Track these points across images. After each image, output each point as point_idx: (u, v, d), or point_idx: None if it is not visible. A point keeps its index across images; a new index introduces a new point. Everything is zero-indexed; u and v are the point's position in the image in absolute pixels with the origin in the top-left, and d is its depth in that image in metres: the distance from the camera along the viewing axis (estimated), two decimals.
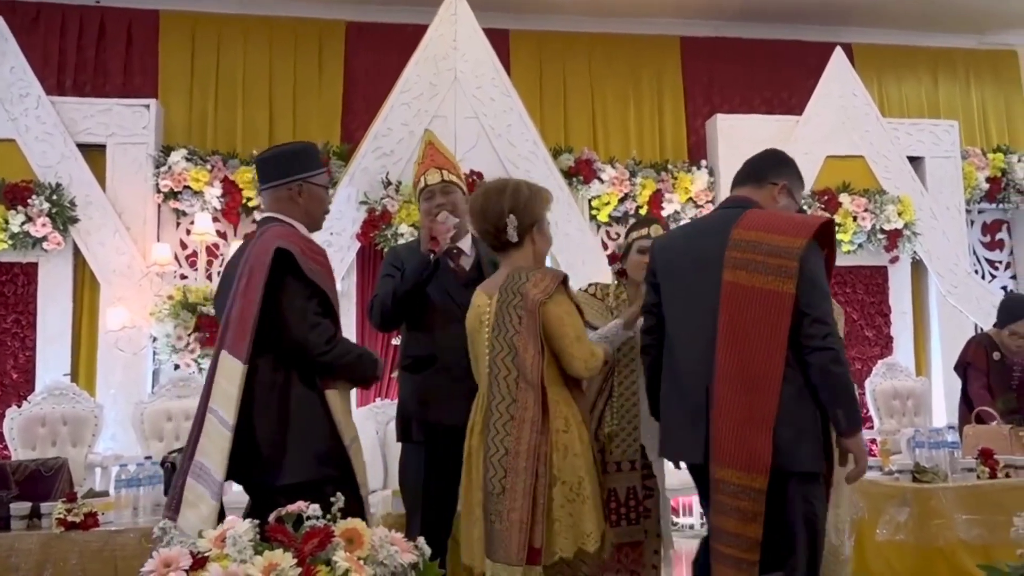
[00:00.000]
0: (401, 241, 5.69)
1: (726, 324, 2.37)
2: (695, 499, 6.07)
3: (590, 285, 3.25)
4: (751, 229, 2.42)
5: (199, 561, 1.60)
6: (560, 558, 2.37)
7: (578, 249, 5.94)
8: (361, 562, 1.64)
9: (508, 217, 2.56)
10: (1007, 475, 3.72)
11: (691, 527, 6.08)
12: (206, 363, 5.56)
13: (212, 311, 5.57)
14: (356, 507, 2.33)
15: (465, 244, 3.10)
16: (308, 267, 2.42)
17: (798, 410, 2.33)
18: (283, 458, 2.38)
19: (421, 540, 1.79)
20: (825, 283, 2.38)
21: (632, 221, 3.81)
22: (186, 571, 1.58)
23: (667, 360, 2.58)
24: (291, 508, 1.77)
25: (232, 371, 2.33)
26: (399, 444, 3.07)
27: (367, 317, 3.12)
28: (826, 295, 2.37)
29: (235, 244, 5.84)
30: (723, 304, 2.38)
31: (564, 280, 2.55)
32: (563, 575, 2.38)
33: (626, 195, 6.44)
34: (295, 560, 1.60)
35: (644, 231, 3.11)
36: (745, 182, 2.65)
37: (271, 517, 1.75)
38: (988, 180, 7.05)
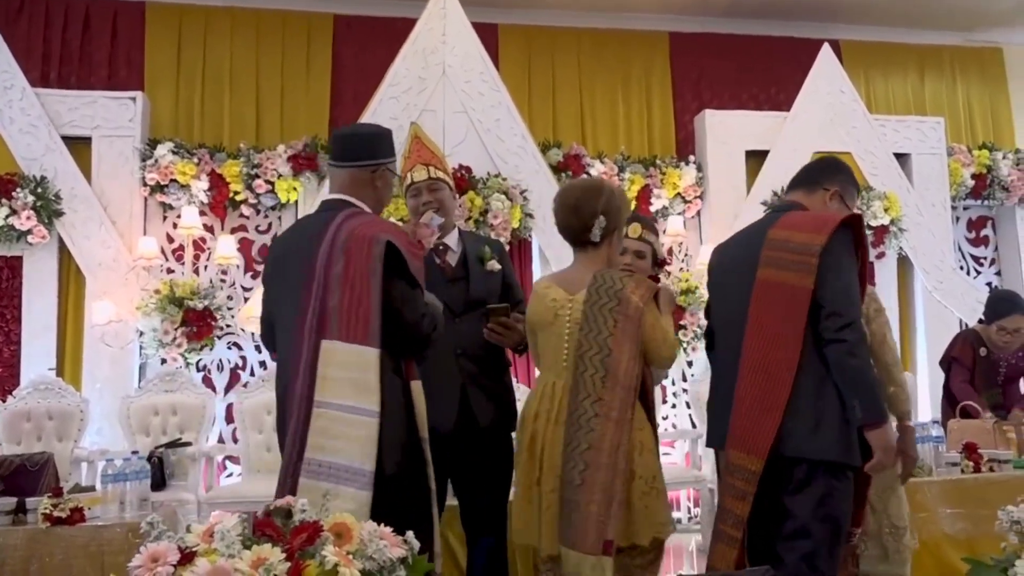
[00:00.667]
0: None
1: (754, 318, 2.48)
2: (682, 493, 6.10)
3: None
4: (784, 228, 2.52)
5: (187, 556, 1.59)
6: (635, 545, 2.53)
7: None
8: (350, 556, 1.63)
9: (598, 218, 2.67)
10: (991, 469, 3.77)
11: (679, 521, 6.10)
12: (193, 357, 5.56)
13: (198, 305, 5.56)
14: (425, 503, 2.37)
15: (452, 240, 3.09)
16: (412, 264, 2.41)
17: (818, 400, 2.38)
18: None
19: (410, 534, 1.79)
20: (849, 276, 2.42)
21: None
22: (174, 566, 1.57)
23: (711, 357, 2.77)
24: (279, 503, 1.76)
25: (359, 358, 2.26)
26: None
27: None
28: (847, 289, 2.41)
29: (222, 238, 5.84)
30: (753, 300, 2.49)
31: (656, 291, 2.70)
32: (629, 560, 2.55)
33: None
34: (284, 555, 1.59)
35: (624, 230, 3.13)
36: (798, 187, 2.76)
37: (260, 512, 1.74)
38: (973, 177, 7.08)
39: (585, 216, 2.68)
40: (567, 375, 2.61)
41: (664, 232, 6.51)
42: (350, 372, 2.26)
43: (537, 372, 2.83)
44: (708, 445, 2.78)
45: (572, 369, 2.59)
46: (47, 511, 2.97)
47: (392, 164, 2.61)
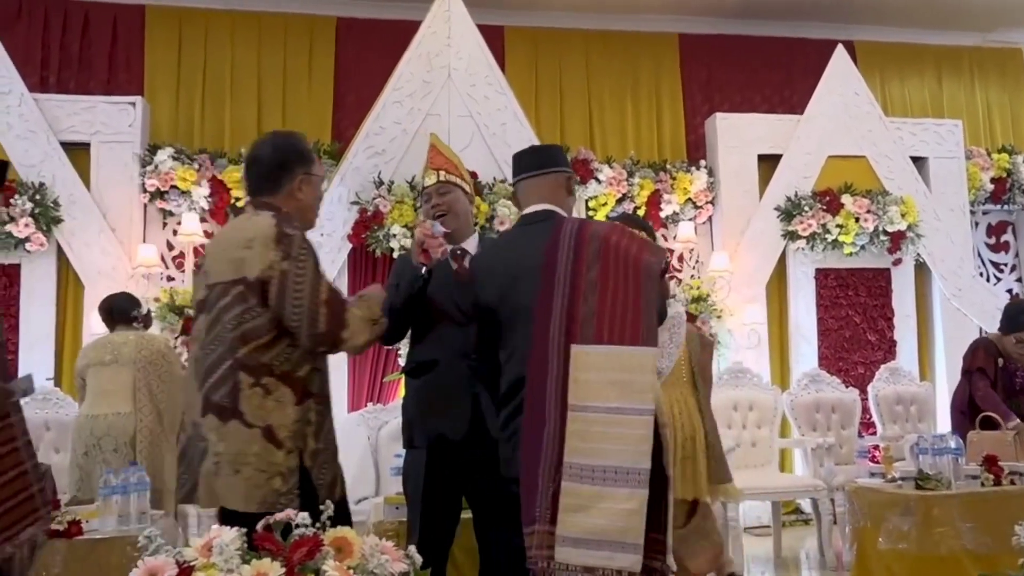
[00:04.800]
0: (393, 242, 5.60)
1: None
2: None
3: None
4: None
5: (185, 570, 1.59)
6: None
7: None
8: (351, 571, 1.62)
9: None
10: (1012, 482, 3.68)
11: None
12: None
13: None
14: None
15: (470, 245, 3.00)
16: None
17: None
18: None
19: (412, 548, 1.76)
20: None
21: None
22: None
23: None
24: (279, 516, 1.73)
25: (625, 360, 2.28)
26: (390, 450, 2.99)
27: None
28: None
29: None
30: None
31: None
32: None
33: (624, 195, 6.34)
34: (283, 569, 1.58)
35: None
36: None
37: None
38: (993, 181, 6.99)
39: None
40: None
41: (675, 238, 6.43)
42: (608, 374, 2.28)
43: None
44: None
45: None
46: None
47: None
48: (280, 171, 2.44)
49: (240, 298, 2.27)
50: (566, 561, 2.17)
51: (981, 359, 4.66)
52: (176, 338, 5.46)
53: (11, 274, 5.63)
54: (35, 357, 5.57)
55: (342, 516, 2.36)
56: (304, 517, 1.72)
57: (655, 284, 2.35)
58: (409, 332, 2.95)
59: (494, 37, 6.39)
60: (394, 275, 2.95)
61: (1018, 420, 4.28)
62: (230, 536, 1.64)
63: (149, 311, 4.74)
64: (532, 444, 2.30)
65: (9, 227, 5.43)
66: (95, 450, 4.07)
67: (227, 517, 2.23)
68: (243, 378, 2.25)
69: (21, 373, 5.51)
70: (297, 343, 2.29)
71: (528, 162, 2.62)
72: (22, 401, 4.86)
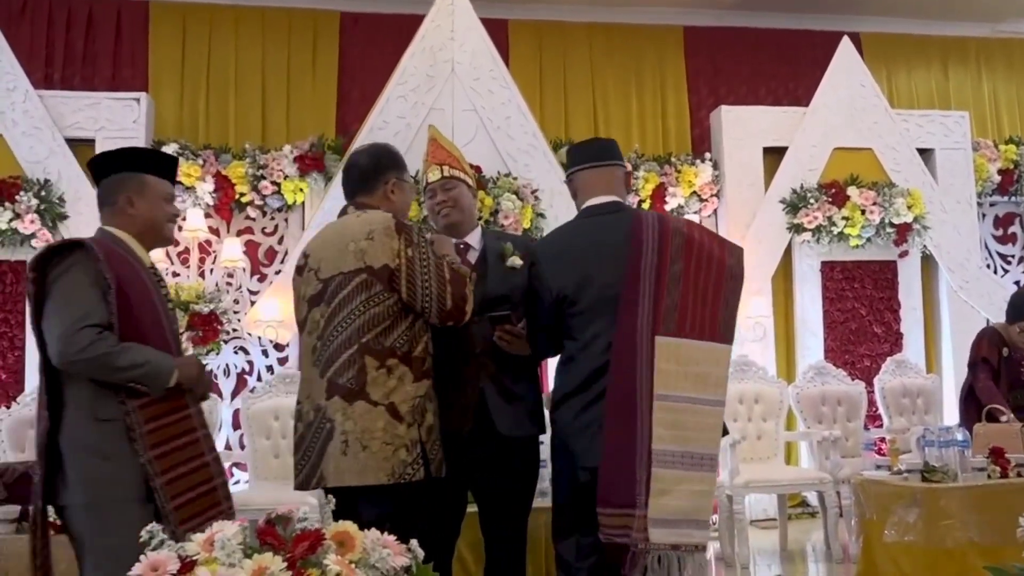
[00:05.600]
0: None
1: None
2: None
3: None
4: None
5: (187, 565, 1.58)
6: None
7: None
8: (352, 565, 1.61)
9: None
10: (1019, 474, 3.68)
11: None
12: None
13: (204, 309, 5.49)
14: None
15: (473, 239, 3.00)
16: None
17: None
18: None
19: (414, 543, 1.76)
20: None
21: None
22: (174, 575, 1.56)
23: None
24: (280, 510, 1.71)
25: (706, 354, 2.45)
26: None
27: None
28: None
29: (228, 241, 5.77)
30: None
31: None
32: None
33: (629, 189, 6.30)
34: (285, 564, 1.57)
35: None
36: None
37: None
38: (1000, 172, 6.94)
39: None
40: None
41: None
42: (691, 366, 2.43)
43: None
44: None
45: None
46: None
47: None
48: (374, 174, 2.64)
49: (364, 286, 2.42)
50: (658, 541, 2.36)
51: (984, 349, 4.66)
52: (181, 333, 5.47)
53: (17, 271, 5.62)
54: None
55: (442, 497, 2.56)
56: (306, 511, 1.73)
57: (736, 285, 2.53)
58: None
59: (498, 31, 6.36)
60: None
61: (1011, 414, 4.25)
62: (232, 531, 1.63)
63: None
64: (621, 432, 2.41)
65: (15, 223, 5.43)
66: None
67: (352, 495, 2.35)
68: (369, 361, 2.39)
69: (28, 369, 5.54)
70: (415, 324, 2.48)
71: (588, 153, 2.73)
72: (31, 398, 4.90)
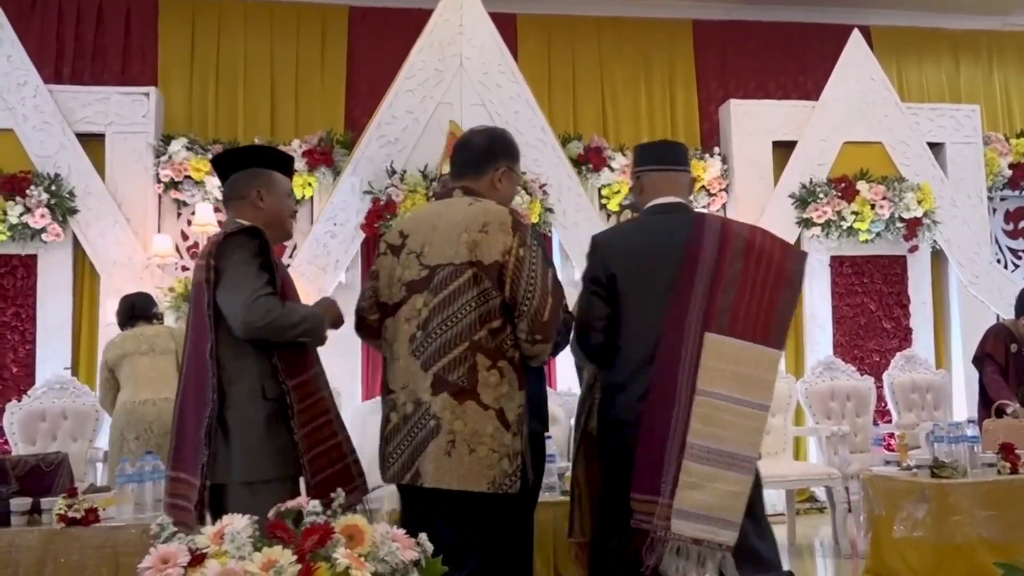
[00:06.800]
0: None
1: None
2: None
3: None
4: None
5: (197, 558, 1.58)
6: None
7: (588, 239, 5.80)
8: (362, 559, 1.60)
9: None
10: None
11: None
12: None
13: None
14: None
15: None
16: None
17: None
18: None
19: (423, 536, 1.75)
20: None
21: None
22: (184, 568, 1.55)
23: None
24: (290, 504, 1.74)
25: (754, 355, 2.47)
26: None
27: None
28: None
29: None
30: None
31: None
32: None
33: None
34: (295, 557, 1.56)
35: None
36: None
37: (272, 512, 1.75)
38: (1011, 166, 6.90)
39: None
40: None
41: None
42: (738, 367, 2.46)
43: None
44: None
45: None
46: (62, 511, 2.96)
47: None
48: (487, 158, 2.55)
49: (474, 280, 2.34)
50: (680, 532, 2.40)
51: (990, 345, 4.65)
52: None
53: (28, 265, 5.66)
54: (52, 347, 5.62)
55: (531, 505, 2.55)
56: (315, 505, 1.72)
57: (794, 292, 2.55)
58: None
59: (506, 25, 6.34)
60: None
61: (1017, 406, 4.25)
62: (242, 524, 1.64)
63: (161, 312, 4.86)
64: (658, 421, 2.48)
65: (25, 218, 5.46)
66: (147, 434, 4.16)
67: (449, 498, 2.33)
68: (481, 360, 2.33)
69: (38, 362, 5.57)
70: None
71: (659, 156, 2.78)
72: (42, 391, 4.92)
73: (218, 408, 2.33)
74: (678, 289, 2.52)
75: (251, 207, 2.51)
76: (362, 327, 2.57)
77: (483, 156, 2.55)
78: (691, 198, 2.89)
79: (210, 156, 5.80)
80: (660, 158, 2.77)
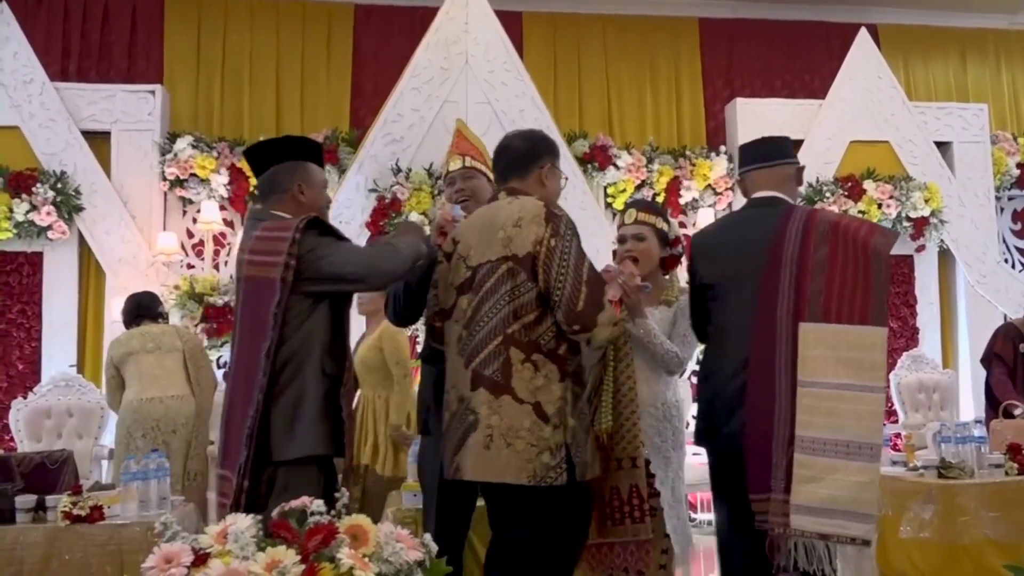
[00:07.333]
0: None
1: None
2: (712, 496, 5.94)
3: None
4: None
5: (201, 557, 1.58)
6: None
7: (593, 238, 5.79)
8: (366, 559, 1.60)
9: None
10: None
11: (709, 523, 5.94)
12: (213, 354, 5.49)
13: (218, 301, 5.52)
14: None
15: None
16: None
17: None
18: None
19: (428, 537, 1.75)
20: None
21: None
22: (187, 567, 1.56)
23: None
24: (294, 503, 1.73)
25: (855, 338, 2.39)
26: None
27: (384, 311, 3.04)
28: None
29: (242, 233, 5.76)
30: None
31: None
32: None
33: (643, 182, 6.30)
34: (299, 557, 1.57)
35: (621, 219, 3.16)
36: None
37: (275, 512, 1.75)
38: (1019, 166, 6.89)
39: None
40: None
41: (694, 225, 6.36)
42: (841, 351, 2.38)
43: None
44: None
45: None
46: (67, 509, 2.95)
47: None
48: (529, 158, 2.56)
49: (509, 274, 2.35)
50: (801, 528, 2.34)
51: (999, 345, 4.64)
52: (196, 325, 5.50)
53: (34, 262, 5.67)
54: (58, 344, 5.63)
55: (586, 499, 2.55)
56: (319, 505, 1.71)
57: (884, 266, 2.42)
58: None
59: (512, 23, 6.34)
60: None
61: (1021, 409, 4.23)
62: (245, 523, 1.64)
63: (167, 312, 4.88)
64: (760, 420, 2.44)
65: (31, 215, 5.47)
66: (153, 432, 4.17)
67: (494, 490, 2.36)
68: (514, 354, 2.32)
69: (44, 359, 5.58)
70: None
71: (757, 154, 2.78)
72: (48, 388, 4.93)
73: (270, 397, 2.36)
74: (764, 285, 2.50)
75: (292, 201, 2.53)
76: (433, 334, 2.61)
77: (525, 157, 2.57)
78: (798, 189, 2.86)
79: (215, 154, 5.83)
80: (757, 157, 2.77)
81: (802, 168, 2.78)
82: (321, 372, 2.41)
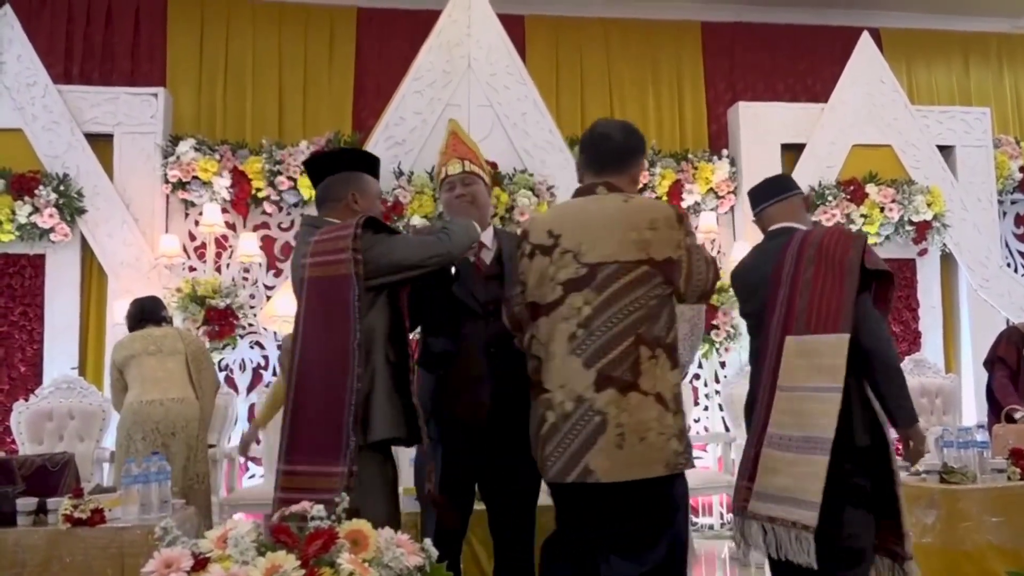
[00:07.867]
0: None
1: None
2: (714, 498, 5.94)
3: None
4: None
5: (200, 562, 1.60)
6: None
7: None
8: (366, 564, 1.62)
9: None
10: None
11: (710, 527, 5.94)
12: (215, 357, 5.49)
13: (220, 304, 5.51)
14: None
15: (486, 237, 2.97)
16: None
17: None
18: None
19: (428, 542, 1.76)
20: None
21: None
22: (187, 572, 1.57)
23: None
24: (295, 508, 1.74)
25: (833, 346, 2.57)
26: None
27: None
28: None
29: (244, 236, 5.79)
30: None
31: None
32: None
33: (645, 185, 6.29)
34: (298, 562, 1.58)
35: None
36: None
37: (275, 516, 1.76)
38: (1021, 169, 6.86)
39: None
40: None
41: (696, 229, 6.34)
42: (813, 359, 2.60)
43: None
44: None
45: None
46: (68, 512, 2.96)
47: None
48: (630, 154, 2.59)
49: (646, 277, 2.37)
50: (755, 511, 2.62)
51: (1002, 349, 4.63)
52: (198, 328, 5.49)
53: (36, 265, 5.67)
54: (59, 347, 5.63)
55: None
56: (319, 510, 1.71)
57: (854, 277, 2.63)
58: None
59: (514, 26, 6.36)
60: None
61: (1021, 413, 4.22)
62: (245, 528, 1.65)
63: (171, 316, 4.88)
64: (753, 421, 2.75)
65: (34, 217, 5.47)
66: (154, 434, 4.16)
67: (624, 490, 2.33)
68: (643, 352, 2.35)
69: (46, 362, 5.59)
70: (672, 311, 2.47)
71: (767, 192, 3.02)
72: (49, 390, 4.94)
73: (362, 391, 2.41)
74: (768, 303, 2.77)
75: (346, 209, 2.59)
76: (516, 328, 2.61)
77: (626, 152, 2.57)
78: (809, 215, 3.23)
79: (217, 157, 5.83)
80: (768, 195, 3.01)
81: (806, 196, 3.09)
82: (386, 360, 2.47)
